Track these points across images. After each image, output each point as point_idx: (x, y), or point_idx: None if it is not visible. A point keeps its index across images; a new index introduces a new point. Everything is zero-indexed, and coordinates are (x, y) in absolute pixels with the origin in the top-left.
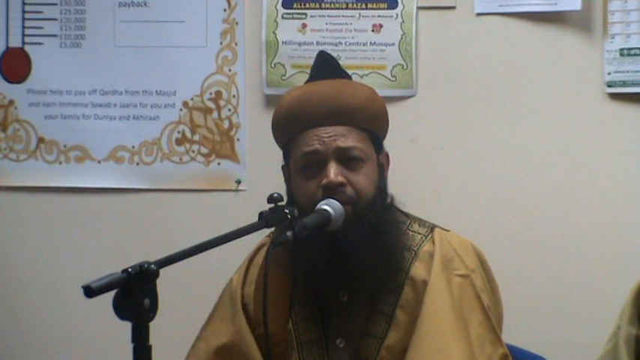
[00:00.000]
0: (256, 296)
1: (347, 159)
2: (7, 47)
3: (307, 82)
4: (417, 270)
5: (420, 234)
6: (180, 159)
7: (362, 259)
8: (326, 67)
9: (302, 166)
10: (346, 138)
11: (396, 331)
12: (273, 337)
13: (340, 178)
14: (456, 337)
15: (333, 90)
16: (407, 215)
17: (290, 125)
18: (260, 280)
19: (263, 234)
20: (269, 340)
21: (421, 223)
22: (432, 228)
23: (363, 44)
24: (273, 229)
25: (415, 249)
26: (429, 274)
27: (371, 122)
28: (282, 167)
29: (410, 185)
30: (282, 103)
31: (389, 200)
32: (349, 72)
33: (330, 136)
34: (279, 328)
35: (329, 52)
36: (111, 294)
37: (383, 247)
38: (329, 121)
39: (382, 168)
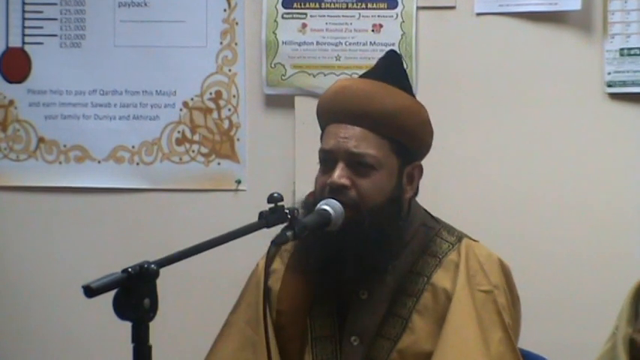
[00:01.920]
0: (281, 286)
1: (357, 163)
2: (7, 47)
3: (361, 75)
4: (440, 278)
5: (447, 242)
6: (180, 159)
7: (353, 262)
8: (384, 67)
9: (320, 159)
10: (360, 143)
11: (409, 335)
12: (288, 331)
13: (343, 181)
14: (481, 352)
15: (367, 91)
16: (437, 221)
17: (323, 114)
18: (286, 272)
19: (264, 234)
20: (268, 337)
21: (450, 230)
22: (459, 237)
23: (363, 44)
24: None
25: (440, 257)
26: (451, 283)
27: (397, 131)
28: None
29: None
30: (328, 89)
31: (402, 210)
32: (349, 72)
33: (346, 138)
34: (297, 322)
35: (329, 52)
36: (111, 294)
37: (374, 253)
38: (351, 119)
39: (409, 178)
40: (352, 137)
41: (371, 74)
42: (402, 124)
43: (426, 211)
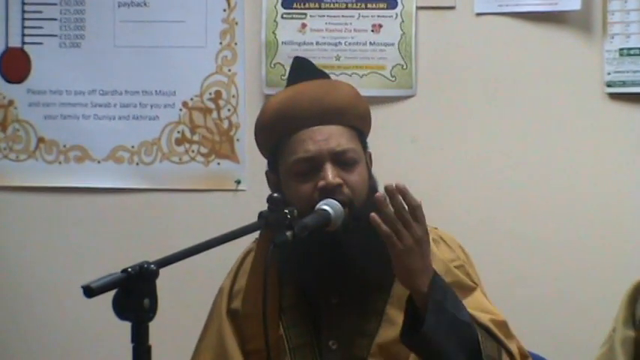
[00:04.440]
0: (245, 308)
1: (341, 161)
2: (7, 47)
3: (291, 83)
4: None
5: None
6: (180, 159)
7: (363, 260)
8: (304, 70)
9: (297, 171)
10: (340, 140)
11: (387, 328)
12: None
13: (337, 180)
14: (490, 306)
15: (321, 89)
16: None
17: (280, 127)
18: (248, 290)
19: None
20: (270, 352)
21: None
22: None
23: (363, 44)
24: (259, 233)
25: None
26: None
27: (359, 120)
28: (267, 173)
29: (409, 185)
30: (268, 107)
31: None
32: (349, 72)
33: (324, 139)
34: (272, 336)
35: (328, 52)
36: (110, 294)
37: (382, 246)
38: (320, 120)
39: (369, 167)
40: (331, 136)
41: (301, 77)
42: (360, 111)
43: None
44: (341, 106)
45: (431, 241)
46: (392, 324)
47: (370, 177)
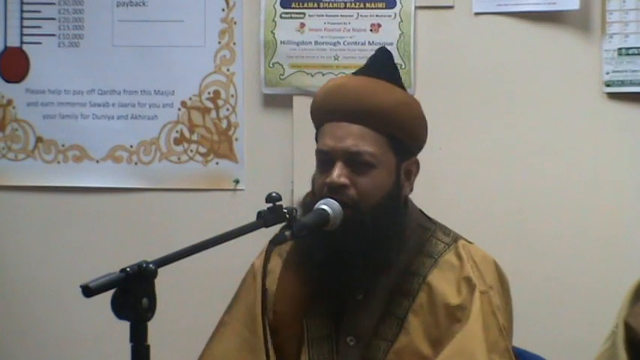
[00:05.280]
0: (278, 286)
1: (355, 162)
2: (6, 47)
3: (354, 73)
4: (435, 277)
5: (443, 242)
6: (179, 158)
7: (356, 262)
8: (377, 63)
9: (317, 160)
10: (358, 141)
11: (406, 335)
12: (284, 332)
13: (342, 180)
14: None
15: (364, 88)
16: (433, 222)
17: (319, 113)
18: (283, 271)
19: (261, 233)
20: (267, 339)
21: (445, 231)
22: (455, 238)
23: (362, 44)
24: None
25: (436, 257)
26: (446, 284)
27: (393, 127)
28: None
29: None
30: (319, 91)
31: (401, 206)
32: (347, 72)
33: (344, 136)
34: (293, 322)
35: (327, 51)
36: (109, 293)
37: (378, 250)
38: (349, 117)
39: (407, 174)
40: (350, 136)
41: (364, 71)
42: (398, 119)
43: (421, 211)
44: (374, 110)
45: (452, 256)
46: (409, 332)
47: (396, 184)
